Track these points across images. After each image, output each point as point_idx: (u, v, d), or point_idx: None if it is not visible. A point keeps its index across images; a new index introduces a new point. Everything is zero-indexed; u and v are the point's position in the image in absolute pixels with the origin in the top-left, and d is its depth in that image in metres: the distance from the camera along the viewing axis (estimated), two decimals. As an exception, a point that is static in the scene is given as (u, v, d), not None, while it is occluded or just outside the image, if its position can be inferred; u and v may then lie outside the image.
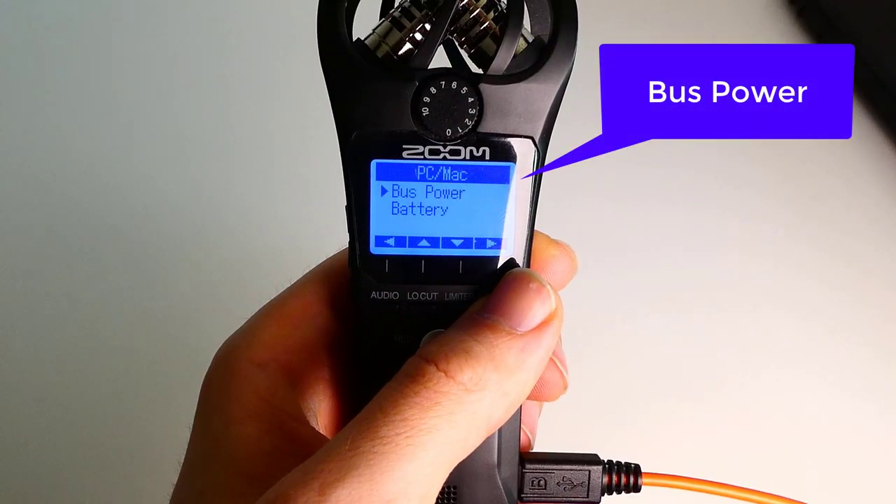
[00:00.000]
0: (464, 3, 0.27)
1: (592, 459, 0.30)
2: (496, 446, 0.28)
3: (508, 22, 0.26)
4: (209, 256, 0.55)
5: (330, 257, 0.30)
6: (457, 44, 0.28)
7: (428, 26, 0.27)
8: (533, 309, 0.25)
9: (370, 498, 0.22)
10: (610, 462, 0.30)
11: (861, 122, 0.59)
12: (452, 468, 0.24)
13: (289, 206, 0.56)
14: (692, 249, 0.57)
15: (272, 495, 0.22)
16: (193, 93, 0.60)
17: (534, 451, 0.31)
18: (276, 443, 0.26)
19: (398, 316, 0.27)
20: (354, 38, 0.27)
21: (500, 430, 0.27)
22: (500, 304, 0.26)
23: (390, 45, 0.27)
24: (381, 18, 0.27)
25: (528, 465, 0.29)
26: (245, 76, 0.60)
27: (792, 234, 0.57)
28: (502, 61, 0.26)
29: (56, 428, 0.50)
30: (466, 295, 0.27)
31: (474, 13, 0.27)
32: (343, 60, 0.26)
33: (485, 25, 0.27)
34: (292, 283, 0.30)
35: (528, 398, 0.29)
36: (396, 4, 0.27)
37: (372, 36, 0.27)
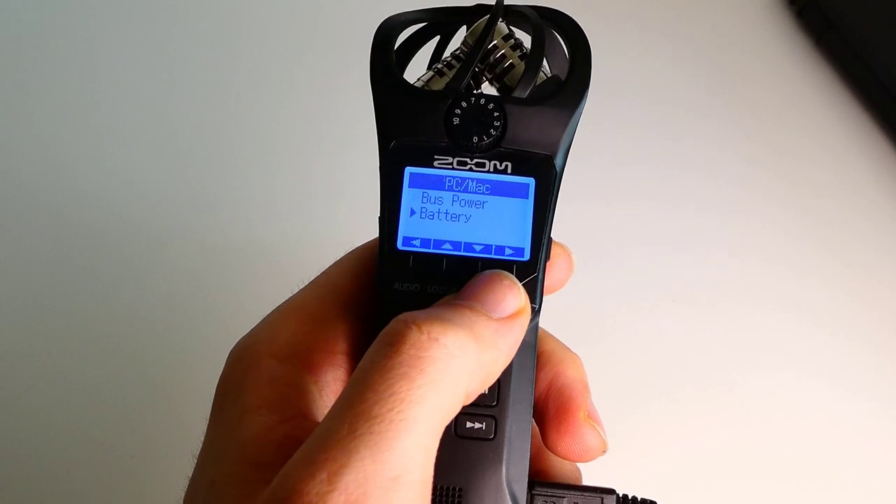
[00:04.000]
0: (494, 42, 0.31)
1: (607, 490, 0.30)
2: (504, 457, 0.28)
3: (531, 57, 0.30)
4: (208, 258, 0.55)
5: (347, 254, 0.31)
6: (486, 78, 0.32)
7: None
8: (506, 300, 0.27)
9: (376, 479, 0.23)
10: (626, 496, 0.30)
11: (861, 122, 0.59)
12: (441, 434, 0.25)
13: (290, 208, 0.56)
14: (690, 249, 0.57)
15: (282, 492, 0.23)
16: (188, 90, 0.60)
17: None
18: (287, 433, 0.26)
19: (418, 307, 0.28)
20: None
21: (508, 441, 0.28)
22: (476, 293, 0.27)
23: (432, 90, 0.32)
24: (427, 70, 0.32)
25: (537, 488, 0.29)
26: (245, 77, 0.60)
27: (792, 233, 0.57)
28: (524, 89, 0.30)
29: (64, 432, 0.50)
30: None
31: (502, 51, 0.31)
32: (390, 79, 0.30)
33: (510, 61, 0.31)
34: (307, 282, 0.31)
35: (572, 459, 0.31)
36: (441, 59, 0.32)
37: (418, 82, 0.32)
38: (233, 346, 0.30)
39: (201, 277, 0.54)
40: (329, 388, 0.29)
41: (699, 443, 0.52)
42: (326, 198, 0.56)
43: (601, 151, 0.59)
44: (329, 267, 0.31)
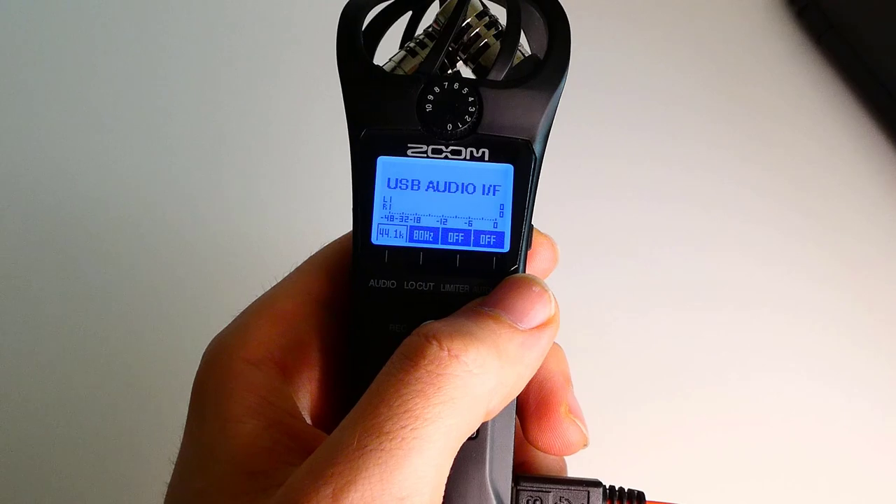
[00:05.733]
0: (467, 21, 0.30)
1: (593, 482, 0.29)
2: (487, 455, 0.27)
3: (507, 36, 0.29)
4: (190, 258, 0.55)
5: (320, 250, 0.30)
6: (460, 60, 0.30)
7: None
8: (535, 309, 0.26)
9: (383, 498, 0.22)
10: (612, 487, 0.29)
11: (861, 122, 0.59)
12: (455, 454, 0.24)
13: (272, 204, 0.56)
14: (690, 249, 0.57)
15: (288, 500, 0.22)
16: (174, 85, 0.60)
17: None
18: (275, 439, 0.26)
19: (394, 304, 0.28)
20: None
21: (491, 439, 0.27)
22: (503, 301, 0.26)
23: (405, 71, 0.30)
24: (398, 50, 0.31)
25: (522, 483, 0.29)
26: (233, 72, 0.60)
27: (791, 233, 0.57)
28: (500, 70, 0.29)
29: (44, 431, 0.50)
30: (463, 288, 0.28)
31: (476, 30, 0.30)
32: (358, 64, 0.29)
33: (485, 41, 0.30)
34: (279, 279, 0.30)
35: (553, 453, 0.30)
36: (413, 37, 0.31)
37: (389, 63, 0.30)
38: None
39: (184, 272, 0.54)
40: (305, 389, 0.29)
41: (695, 442, 0.52)
42: (311, 194, 0.56)
43: (599, 151, 0.59)
44: (302, 263, 0.30)
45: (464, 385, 0.23)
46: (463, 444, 0.25)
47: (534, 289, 0.26)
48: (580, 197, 0.57)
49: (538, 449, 0.30)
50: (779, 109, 0.60)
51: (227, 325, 0.29)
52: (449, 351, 0.24)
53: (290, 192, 0.56)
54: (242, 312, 0.29)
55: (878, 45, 0.57)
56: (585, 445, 0.30)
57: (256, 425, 0.26)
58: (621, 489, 0.29)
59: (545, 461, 0.31)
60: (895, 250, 0.57)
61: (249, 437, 0.26)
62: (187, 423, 0.28)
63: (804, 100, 0.60)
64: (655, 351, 0.54)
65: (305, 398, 0.29)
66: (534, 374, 0.26)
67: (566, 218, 0.56)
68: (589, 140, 0.59)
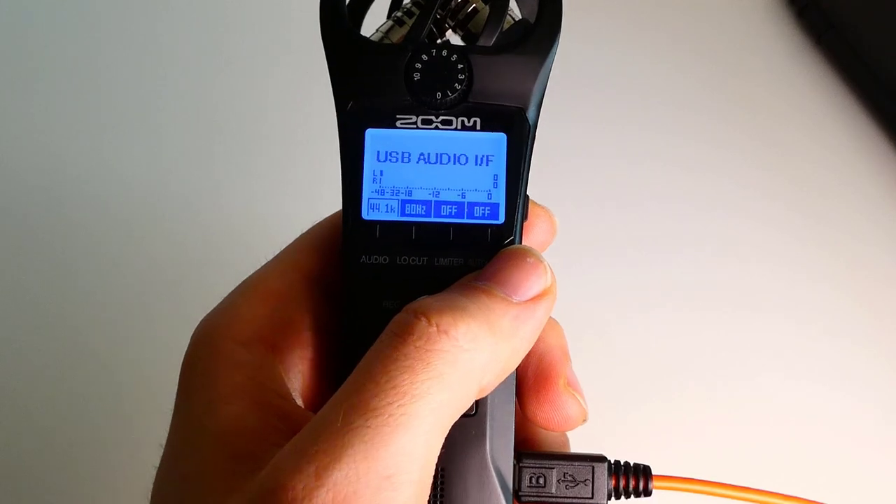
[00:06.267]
0: None
1: (597, 457, 0.28)
2: (487, 433, 0.26)
3: (495, 0, 0.28)
4: (172, 245, 0.54)
5: (311, 228, 0.30)
6: (449, 26, 0.29)
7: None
8: (529, 280, 0.25)
9: (368, 476, 0.21)
10: (617, 462, 0.28)
11: (861, 122, 0.59)
12: (447, 432, 0.23)
13: (263, 191, 0.56)
14: (690, 248, 0.56)
15: (270, 484, 0.22)
16: (163, 79, 0.60)
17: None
18: (263, 419, 0.25)
19: (387, 280, 0.27)
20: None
21: (491, 416, 0.26)
22: (497, 274, 0.25)
23: (392, 41, 0.29)
24: (385, 20, 0.30)
25: (525, 460, 0.28)
26: (220, 60, 0.60)
27: (791, 233, 0.57)
28: (490, 36, 0.28)
29: (29, 421, 0.50)
30: (457, 261, 0.27)
31: None
32: (342, 33, 0.28)
33: (473, 6, 0.29)
34: (270, 258, 0.30)
35: (552, 428, 0.29)
36: (401, 6, 0.30)
37: (376, 34, 0.29)
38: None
39: (173, 259, 0.54)
40: (296, 369, 0.28)
41: (702, 443, 0.51)
42: (302, 180, 0.56)
43: (598, 151, 0.59)
44: (293, 241, 0.30)
45: (454, 360, 0.23)
46: (461, 422, 0.25)
47: (528, 260, 0.26)
48: (580, 196, 0.57)
49: (537, 424, 0.29)
50: (779, 109, 0.60)
51: (215, 305, 0.28)
52: (438, 326, 0.23)
53: (281, 178, 0.56)
54: (231, 292, 0.29)
55: (878, 45, 0.57)
56: (585, 420, 0.29)
57: (243, 406, 0.25)
58: (626, 463, 0.28)
59: (546, 439, 0.31)
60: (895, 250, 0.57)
61: (236, 418, 0.25)
62: (175, 404, 0.27)
63: (804, 100, 0.60)
64: (657, 349, 0.53)
65: (297, 379, 0.28)
66: (530, 348, 0.25)
67: (565, 217, 0.56)
68: (588, 140, 0.59)
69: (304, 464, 0.22)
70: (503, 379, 0.25)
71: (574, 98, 0.59)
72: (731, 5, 0.62)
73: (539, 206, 0.30)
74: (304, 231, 0.30)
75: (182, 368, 0.27)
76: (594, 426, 0.40)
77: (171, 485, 0.25)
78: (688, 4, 0.62)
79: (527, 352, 0.25)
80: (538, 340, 0.27)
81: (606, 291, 0.55)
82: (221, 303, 0.28)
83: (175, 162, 0.57)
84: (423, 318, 0.23)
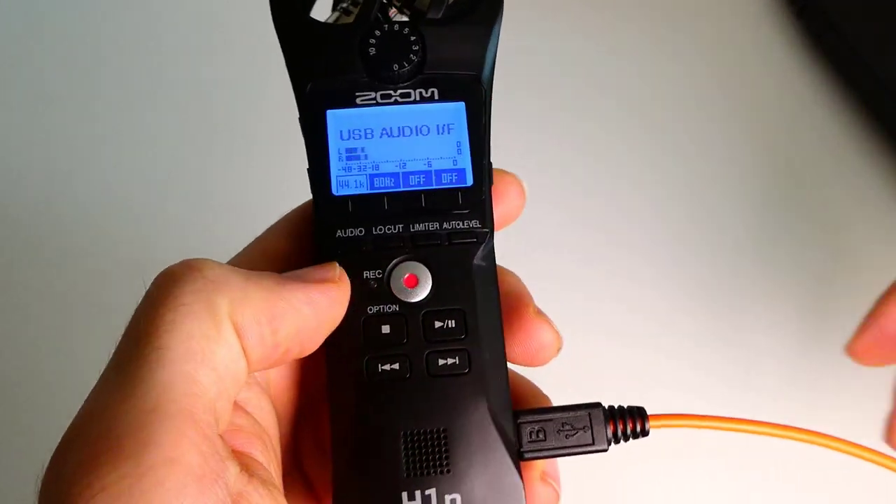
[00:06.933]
0: None
1: (592, 404, 0.28)
2: (483, 388, 0.27)
3: None
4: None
5: (281, 218, 0.30)
6: (396, 8, 0.30)
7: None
8: (316, 270, 0.26)
9: (129, 414, 0.21)
10: (612, 407, 0.28)
11: (861, 122, 0.59)
12: (224, 372, 0.23)
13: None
14: (690, 248, 0.56)
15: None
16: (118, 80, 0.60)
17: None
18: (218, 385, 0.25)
19: (366, 251, 0.27)
20: None
21: (487, 377, 0.27)
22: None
23: None
24: (332, 11, 0.30)
25: (523, 417, 0.28)
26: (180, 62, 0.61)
27: (790, 234, 0.57)
28: (437, 10, 0.29)
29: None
30: (432, 226, 0.28)
31: None
32: (294, 17, 0.28)
33: None
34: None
35: (529, 361, 0.29)
36: None
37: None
38: None
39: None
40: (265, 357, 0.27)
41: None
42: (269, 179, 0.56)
43: (598, 151, 0.59)
44: (263, 232, 0.30)
45: (197, 289, 0.23)
46: (457, 381, 0.26)
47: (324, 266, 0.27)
48: (579, 196, 0.57)
49: (513, 360, 0.29)
50: (778, 109, 0.60)
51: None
52: (187, 266, 0.24)
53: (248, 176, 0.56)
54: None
55: (878, 45, 0.57)
56: (559, 348, 0.29)
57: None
58: (621, 407, 0.28)
59: (531, 395, 0.30)
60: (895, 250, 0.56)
61: (185, 380, 0.24)
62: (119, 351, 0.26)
63: (804, 100, 0.60)
64: (655, 351, 0.53)
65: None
66: (311, 317, 0.25)
67: (564, 217, 0.56)
68: (588, 140, 0.59)
69: (67, 429, 0.22)
70: (277, 332, 0.25)
71: (574, 97, 0.60)
72: (731, 5, 0.62)
73: (506, 172, 0.30)
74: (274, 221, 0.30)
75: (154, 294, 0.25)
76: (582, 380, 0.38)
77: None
78: (687, 4, 0.62)
79: (308, 318, 0.25)
80: (500, 283, 0.28)
81: (604, 289, 0.55)
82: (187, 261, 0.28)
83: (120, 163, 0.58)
84: (177, 265, 0.24)
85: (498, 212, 0.29)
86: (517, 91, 0.51)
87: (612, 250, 0.56)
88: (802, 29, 0.61)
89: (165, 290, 0.23)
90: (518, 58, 0.49)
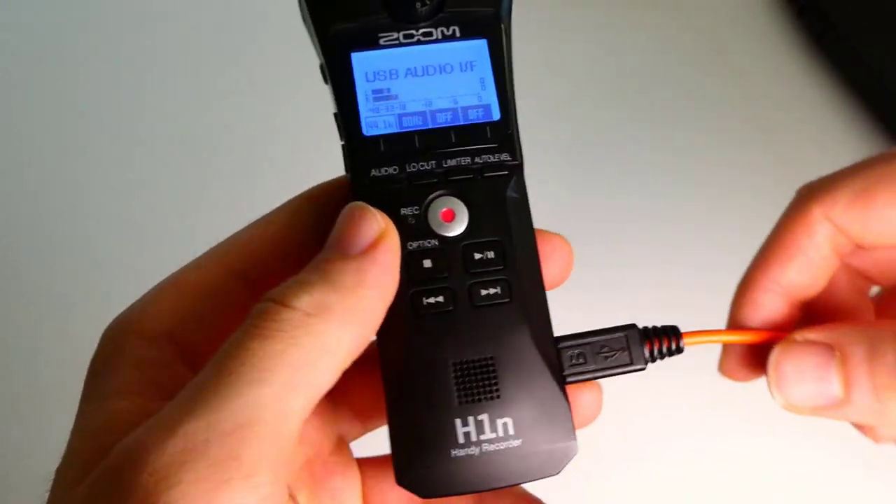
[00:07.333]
0: None
1: (628, 326, 0.29)
2: (525, 316, 0.27)
3: None
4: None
5: (241, 229, 0.29)
6: None
7: None
8: (359, 231, 0.26)
9: (220, 426, 0.22)
10: (646, 328, 0.29)
11: (861, 122, 0.59)
12: (315, 393, 0.24)
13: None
14: (689, 247, 0.56)
15: (127, 441, 0.22)
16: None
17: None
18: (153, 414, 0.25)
19: (401, 188, 0.28)
20: None
21: (528, 305, 0.27)
22: (332, 238, 0.26)
23: None
24: None
25: (563, 343, 0.28)
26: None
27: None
28: None
29: None
30: (464, 160, 0.28)
31: None
32: None
33: None
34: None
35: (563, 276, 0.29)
36: None
37: None
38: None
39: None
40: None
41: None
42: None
43: (598, 151, 0.59)
44: (222, 241, 0.29)
45: (303, 326, 0.24)
46: (500, 309, 0.27)
47: (355, 213, 0.26)
48: (579, 196, 0.57)
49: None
50: (778, 109, 0.60)
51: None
52: (283, 303, 0.24)
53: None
54: (149, 290, 0.28)
55: (877, 44, 0.57)
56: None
57: (135, 402, 0.25)
58: (655, 327, 0.29)
59: None
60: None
61: (123, 413, 0.25)
62: (79, 404, 0.27)
63: (804, 100, 0.60)
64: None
65: None
66: (384, 293, 0.26)
67: (569, 212, 0.56)
68: (588, 140, 0.59)
69: (155, 422, 0.22)
70: (366, 330, 0.25)
71: (573, 97, 0.59)
72: (731, 5, 0.62)
73: (554, 234, 0.29)
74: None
75: (89, 365, 0.27)
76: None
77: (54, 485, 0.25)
78: (687, 4, 0.62)
79: (380, 298, 0.26)
80: None
81: (606, 289, 0.54)
82: (137, 300, 0.28)
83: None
84: (269, 302, 0.24)
85: (547, 274, 0.29)
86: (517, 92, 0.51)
87: (612, 254, 0.56)
88: (802, 29, 0.61)
89: (268, 324, 0.24)
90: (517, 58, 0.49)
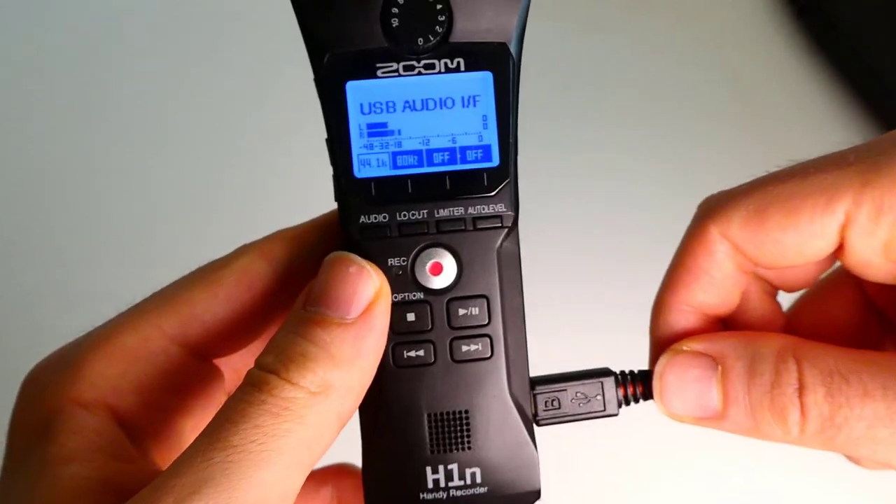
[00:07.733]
0: None
1: (603, 372, 0.29)
2: (504, 372, 0.28)
3: None
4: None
5: (178, 279, 0.28)
6: None
7: None
8: (357, 293, 0.25)
9: None
10: (622, 372, 0.29)
11: (861, 122, 0.59)
12: (312, 467, 0.24)
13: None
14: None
15: None
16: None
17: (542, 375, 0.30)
18: (106, 479, 0.25)
19: (390, 238, 0.27)
20: None
21: (506, 356, 0.27)
22: (324, 295, 0.25)
23: None
24: None
25: (538, 387, 0.28)
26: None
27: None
28: None
29: None
30: (457, 211, 0.27)
31: None
32: None
33: None
34: (121, 311, 0.28)
35: None
36: None
37: None
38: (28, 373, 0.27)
39: None
40: (148, 435, 0.27)
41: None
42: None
43: (597, 151, 0.58)
44: (154, 293, 0.28)
45: (310, 404, 0.24)
46: (479, 365, 0.27)
47: (350, 269, 0.25)
48: (579, 194, 0.57)
49: None
50: (778, 109, 0.60)
51: (53, 350, 0.27)
52: (289, 380, 0.24)
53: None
54: (76, 341, 0.27)
55: (878, 45, 0.57)
56: None
57: (83, 469, 0.25)
58: (631, 372, 0.29)
59: None
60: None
61: (74, 480, 0.24)
62: (5, 463, 0.26)
63: (803, 99, 0.60)
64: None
65: (149, 443, 0.27)
66: (378, 355, 0.25)
67: (564, 214, 0.56)
68: (588, 139, 0.59)
69: (160, 495, 0.22)
70: (361, 397, 0.26)
71: (573, 97, 0.59)
72: (731, 5, 0.62)
73: None
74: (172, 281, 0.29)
75: (14, 423, 0.26)
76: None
77: None
78: (687, 4, 0.62)
79: (376, 362, 0.25)
80: None
81: (605, 290, 0.54)
82: (62, 352, 0.27)
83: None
84: (273, 375, 0.24)
85: None
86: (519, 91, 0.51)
87: (609, 256, 0.56)
88: (802, 29, 0.61)
89: (276, 400, 0.24)
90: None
